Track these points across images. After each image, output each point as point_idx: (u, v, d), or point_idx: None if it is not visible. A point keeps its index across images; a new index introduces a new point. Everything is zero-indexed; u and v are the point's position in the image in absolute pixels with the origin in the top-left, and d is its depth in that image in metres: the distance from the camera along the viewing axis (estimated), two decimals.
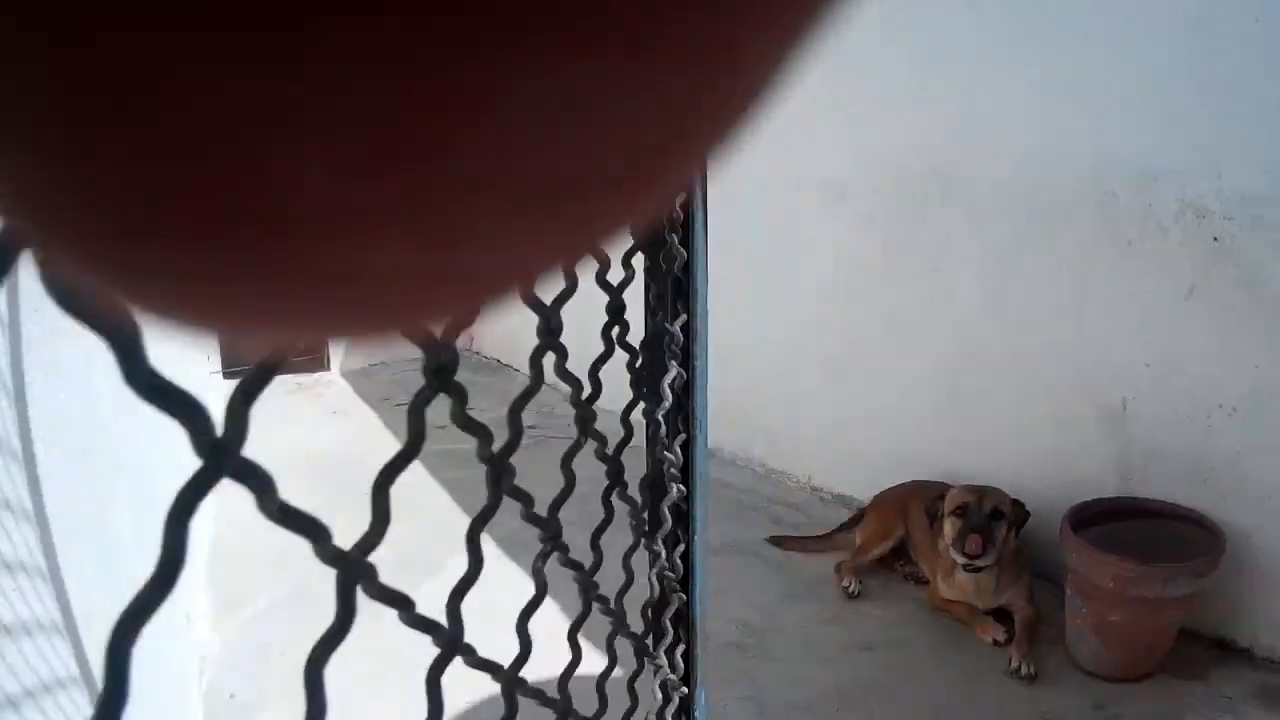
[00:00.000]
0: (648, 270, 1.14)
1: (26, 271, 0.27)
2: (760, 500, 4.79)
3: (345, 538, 0.45)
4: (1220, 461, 3.17)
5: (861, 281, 4.41)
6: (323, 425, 5.96)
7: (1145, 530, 3.27)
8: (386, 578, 0.46)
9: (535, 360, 0.71)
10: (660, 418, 1.10)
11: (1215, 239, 3.05)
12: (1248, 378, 3.05)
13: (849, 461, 4.63)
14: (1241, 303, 3.02)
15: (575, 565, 0.81)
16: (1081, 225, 3.45)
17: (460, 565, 0.64)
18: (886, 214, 4.24)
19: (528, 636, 0.78)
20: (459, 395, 0.53)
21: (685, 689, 1.23)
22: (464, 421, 0.55)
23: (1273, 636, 3.19)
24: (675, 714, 1.21)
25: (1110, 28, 3.29)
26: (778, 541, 4.35)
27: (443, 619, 0.59)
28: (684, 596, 1.22)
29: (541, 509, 0.79)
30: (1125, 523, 3.31)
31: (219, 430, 0.35)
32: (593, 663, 0.95)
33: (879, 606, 3.78)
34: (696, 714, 1.22)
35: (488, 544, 0.75)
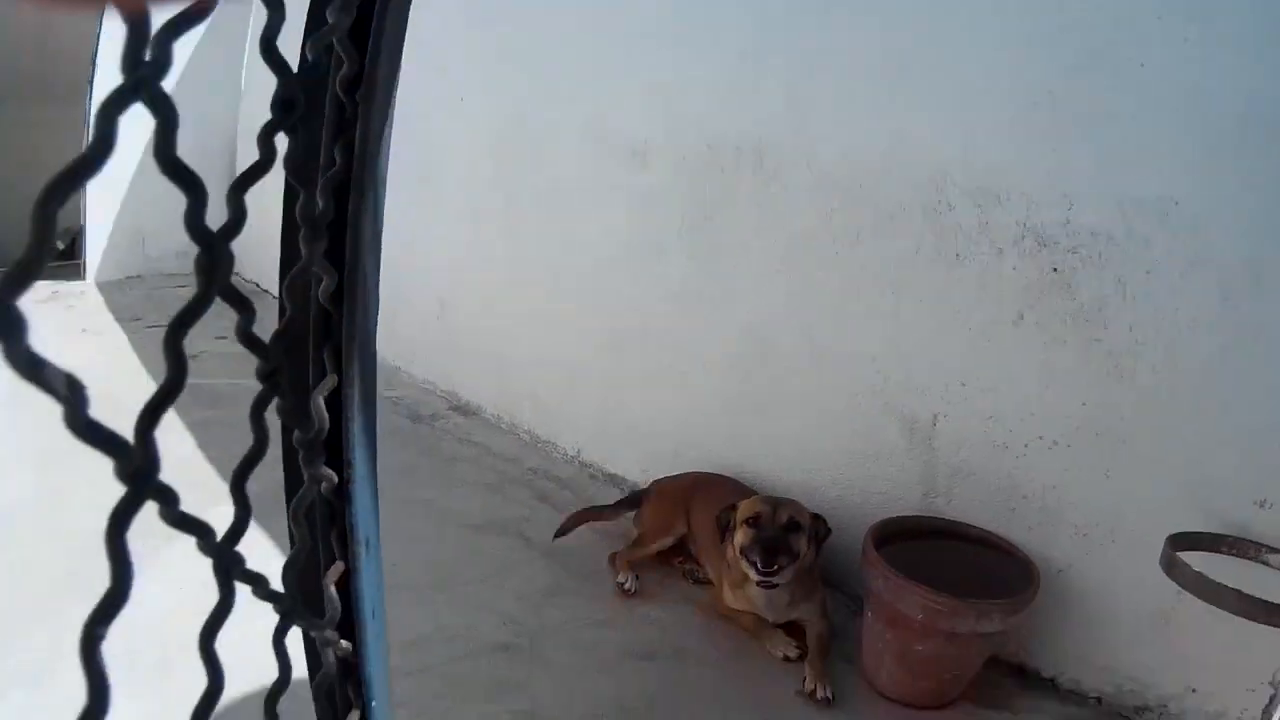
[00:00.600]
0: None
1: None
2: (524, 472, 4.36)
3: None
4: (1032, 492, 3.03)
5: (655, 251, 4.02)
6: (71, 344, 5.12)
7: (951, 553, 3.10)
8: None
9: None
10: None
11: (1055, 269, 2.86)
12: (1072, 414, 2.90)
13: (624, 440, 4.27)
14: (1074, 338, 2.85)
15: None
16: (907, 230, 3.19)
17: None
18: (692, 184, 3.86)
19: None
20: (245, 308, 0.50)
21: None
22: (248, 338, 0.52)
23: (1079, 670, 3.08)
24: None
25: (970, 25, 3.02)
26: (563, 531, 3.87)
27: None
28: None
29: None
30: (930, 543, 3.13)
31: None
32: None
33: (658, 607, 3.44)
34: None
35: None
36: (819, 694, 2.97)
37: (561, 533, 3.82)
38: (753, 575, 3.10)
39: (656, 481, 3.90)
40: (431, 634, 3.11)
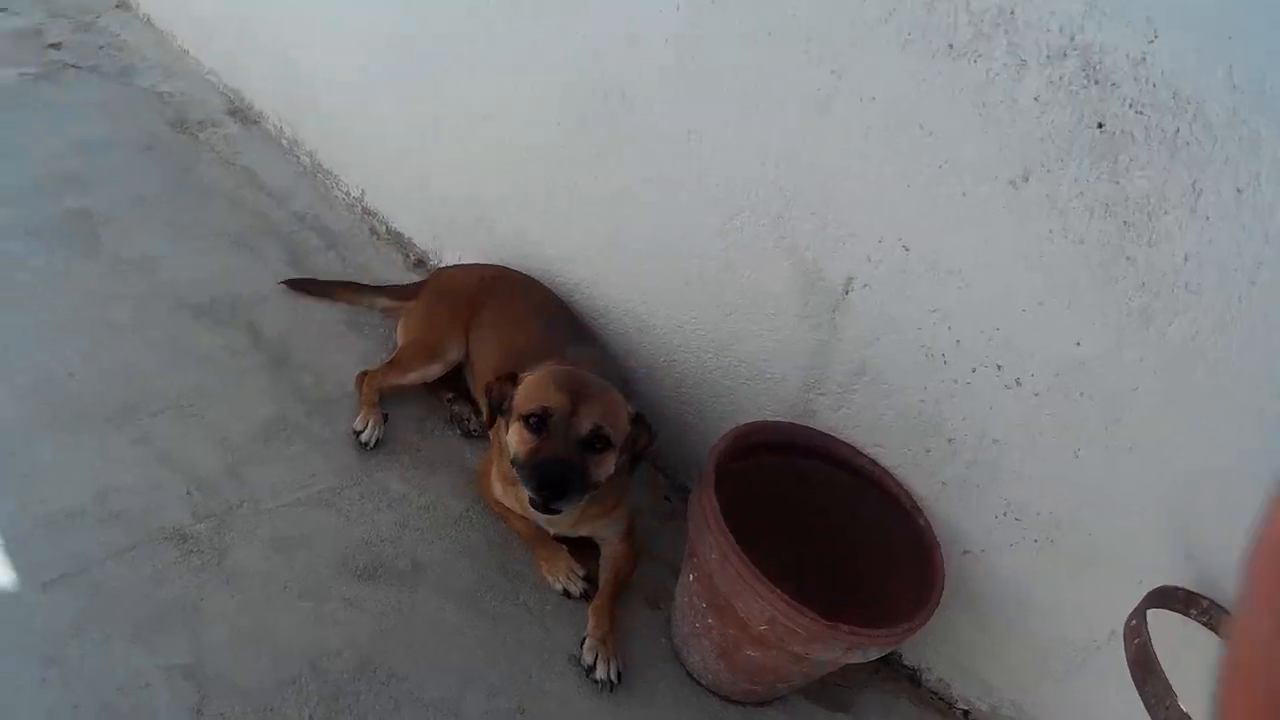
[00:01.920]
0: None
1: None
2: (288, 216, 3.06)
3: None
4: (963, 436, 1.99)
5: None
6: None
7: (824, 487, 2.12)
8: None
9: None
10: None
11: (1101, 125, 1.58)
12: (1057, 350, 1.77)
13: (418, 191, 3.00)
14: (1100, 241, 1.65)
15: None
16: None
17: None
18: None
19: None
20: None
21: None
22: None
23: (952, 672, 2.24)
24: None
25: None
26: (298, 284, 2.74)
27: None
28: None
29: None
30: (802, 463, 2.13)
31: None
32: None
33: (405, 477, 2.37)
34: None
35: None
36: (599, 673, 1.99)
37: (296, 286, 2.71)
38: (526, 491, 1.95)
39: (438, 273, 2.67)
40: (89, 506, 2.03)
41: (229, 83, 3.55)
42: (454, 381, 2.53)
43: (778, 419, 2.16)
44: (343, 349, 2.59)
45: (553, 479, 1.84)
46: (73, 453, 2.11)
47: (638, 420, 2.00)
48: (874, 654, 1.78)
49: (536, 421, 1.90)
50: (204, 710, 1.72)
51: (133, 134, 3.17)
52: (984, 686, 2.16)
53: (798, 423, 2.15)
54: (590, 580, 2.17)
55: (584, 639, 2.04)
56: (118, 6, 3.92)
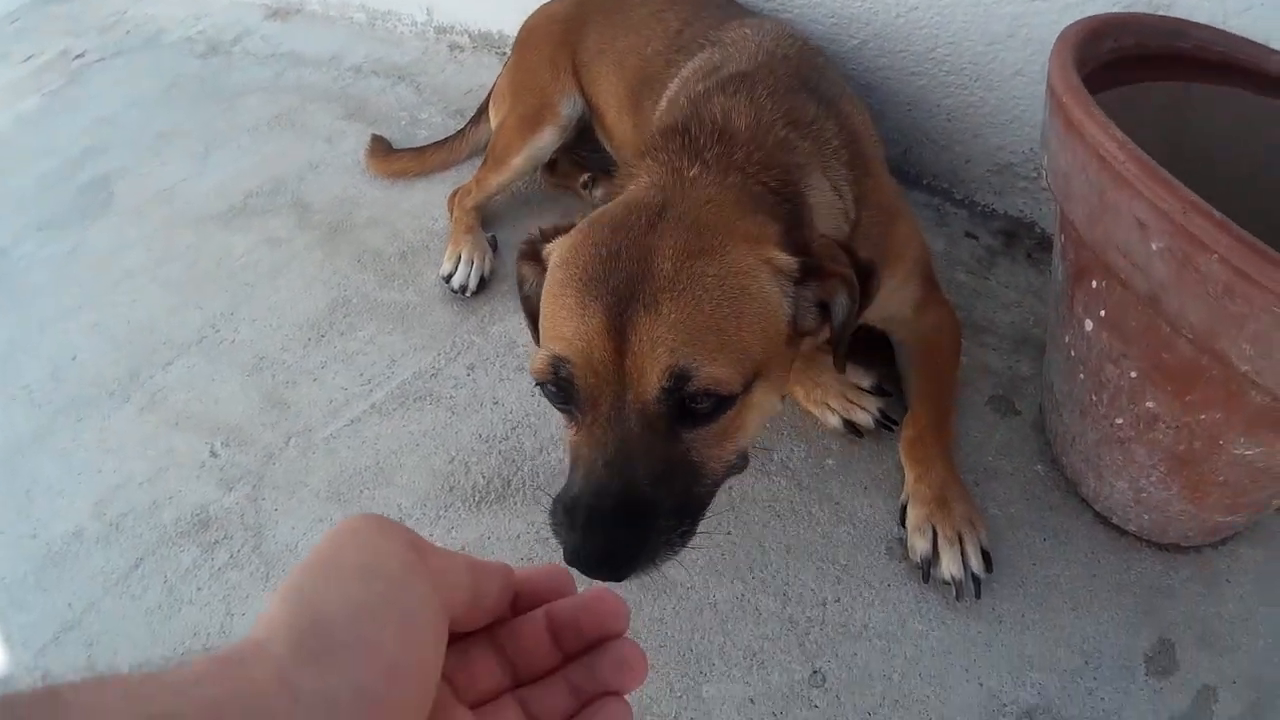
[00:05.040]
0: None
1: None
2: (339, 75, 2.11)
3: None
4: None
5: None
6: None
7: (1229, 124, 0.88)
8: None
9: None
10: None
11: None
12: None
13: None
14: None
15: None
16: None
17: None
18: None
19: None
20: None
21: None
22: None
23: None
24: None
25: None
26: (378, 155, 1.67)
27: None
28: None
29: None
30: (1181, 94, 0.90)
31: None
32: None
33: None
34: None
35: None
36: (945, 570, 0.88)
37: (381, 164, 1.65)
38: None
39: (527, 24, 1.55)
40: (85, 524, 1.20)
41: None
42: (584, 155, 1.47)
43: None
44: (426, 186, 1.58)
45: (591, 550, 0.67)
46: (71, 456, 1.28)
47: (809, 271, 0.73)
48: None
49: (556, 392, 0.72)
50: None
51: (154, 84, 2.30)
52: None
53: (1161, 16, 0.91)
54: (886, 390, 1.03)
55: (903, 504, 0.93)
56: None
